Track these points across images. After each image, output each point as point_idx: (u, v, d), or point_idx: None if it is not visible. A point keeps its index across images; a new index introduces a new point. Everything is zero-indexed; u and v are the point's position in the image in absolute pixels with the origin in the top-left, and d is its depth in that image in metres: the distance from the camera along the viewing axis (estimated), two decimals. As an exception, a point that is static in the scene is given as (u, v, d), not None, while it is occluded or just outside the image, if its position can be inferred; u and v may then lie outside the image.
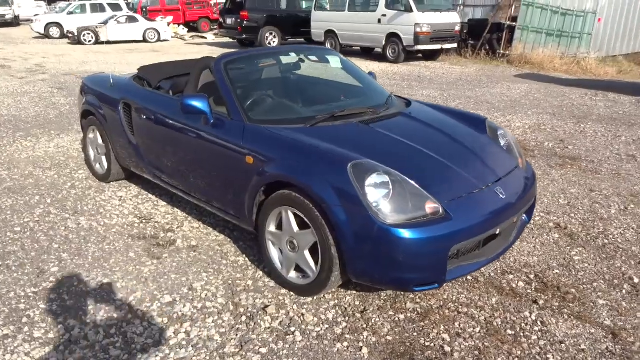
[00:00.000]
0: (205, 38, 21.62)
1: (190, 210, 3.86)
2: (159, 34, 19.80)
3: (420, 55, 13.67)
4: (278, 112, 3.23)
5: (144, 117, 3.59)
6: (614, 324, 2.55)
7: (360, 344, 2.37)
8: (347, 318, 2.57)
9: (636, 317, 2.60)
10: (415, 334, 2.45)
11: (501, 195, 2.66)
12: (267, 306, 2.65)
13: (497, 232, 2.66)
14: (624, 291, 2.84)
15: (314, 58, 3.78)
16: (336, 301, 2.70)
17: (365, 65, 11.59)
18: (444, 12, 12.88)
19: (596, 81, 10.87)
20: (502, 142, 3.19)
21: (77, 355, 2.29)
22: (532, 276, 2.98)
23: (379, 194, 2.34)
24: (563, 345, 2.38)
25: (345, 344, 2.37)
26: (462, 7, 16.54)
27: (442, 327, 2.50)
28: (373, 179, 2.38)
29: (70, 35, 18.66)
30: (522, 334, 2.46)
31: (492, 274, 2.98)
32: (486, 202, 2.59)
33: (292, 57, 3.67)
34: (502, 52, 13.26)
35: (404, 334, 2.45)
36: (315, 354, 2.31)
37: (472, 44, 13.79)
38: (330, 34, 14.72)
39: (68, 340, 2.38)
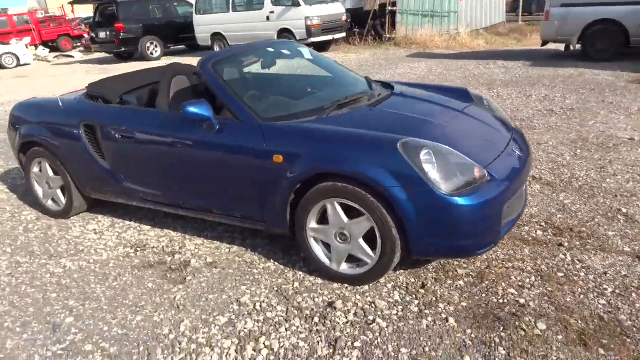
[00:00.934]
0: (73, 57, 19.84)
1: (182, 228, 3.57)
2: (18, 58, 17.73)
3: (312, 47, 13.88)
4: (283, 107, 3.12)
5: (119, 137, 3.24)
6: (632, 249, 2.88)
7: (444, 316, 2.41)
8: (414, 295, 2.58)
9: (645, 239, 2.96)
10: (484, 295, 2.55)
11: (518, 153, 2.86)
12: (331, 303, 2.57)
13: None
14: (621, 221, 3.21)
15: (287, 52, 3.69)
16: (392, 283, 2.70)
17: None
18: (329, 3, 13.24)
19: (476, 52, 11.96)
20: (491, 107, 3.40)
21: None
22: (543, 224, 3.24)
23: (433, 168, 2.38)
24: (608, 275, 2.64)
25: (430, 319, 2.39)
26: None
27: (503, 284, 2.62)
28: (424, 154, 2.41)
29: None
30: (571, 274, 2.67)
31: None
32: (511, 161, 2.76)
33: (271, 52, 3.56)
34: (388, 36, 14.00)
35: (474, 297, 2.54)
36: (409, 334, 2.30)
37: (358, 31, 14.34)
38: (217, 36, 14.39)
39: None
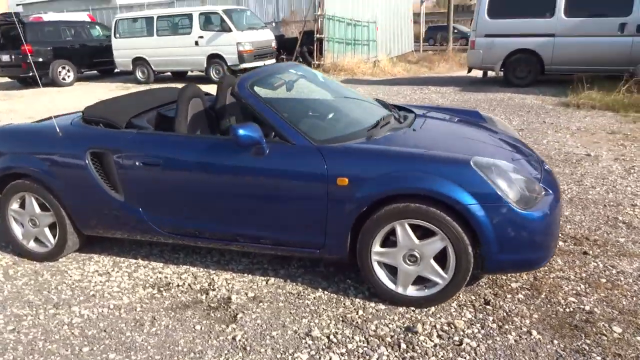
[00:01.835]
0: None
1: (201, 263, 3.30)
2: None
3: (239, 74, 13.70)
4: (327, 130, 3.03)
5: (140, 164, 2.95)
6: (648, 252, 3.16)
7: (524, 329, 2.45)
8: (484, 312, 2.61)
9: (655, 243, 3.27)
10: (548, 306, 2.64)
11: (547, 167, 3.04)
12: (408, 327, 2.50)
13: None
14: (624, 229, 3.51)
15: (304, 74, 3.61)
16: (455, 302, 2.71)
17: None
18: (259, 29, 13.25)
19: (400, 79, 12.62)
20: (499, 126, 3.60)
21: None
22: (560, 235, 3.44)
23: (505, 184, 2.46)
24: (644, 277, 2.87)
25: (513, 333, 2.42)
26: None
27: (560, 294, 2.74)
28: (496, 171, 2.48)
29: None
30: (613, 279, 2.86)
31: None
32: (549, 176, 2.93)
33: (293, 74, 3.47)
34: (316, 62, 14.28)
35: (541, 308, 2.62)
36: (503, 351, 2.30)
37: (285, 57, 14.47)
38: (139, 61, 13.71)
39: None
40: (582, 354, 2.26)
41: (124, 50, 13.83)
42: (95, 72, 16.08)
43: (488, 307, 2.65)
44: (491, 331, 2.45)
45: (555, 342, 2.35)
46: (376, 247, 2.64)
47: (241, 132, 2.61)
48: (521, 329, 2.46)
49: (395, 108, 3.62)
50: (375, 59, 16.27)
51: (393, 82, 11.90)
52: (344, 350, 2.37)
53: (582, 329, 2.43)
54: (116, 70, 16.33)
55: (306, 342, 2.45)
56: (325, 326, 2.57)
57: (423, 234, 2.56)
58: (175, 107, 3.20)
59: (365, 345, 2.40)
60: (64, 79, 14.18)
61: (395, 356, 2.32)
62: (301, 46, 14.44)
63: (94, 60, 15.12)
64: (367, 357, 2.32)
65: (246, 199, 2.79)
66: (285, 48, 14.24)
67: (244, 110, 3.93)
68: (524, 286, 2.83)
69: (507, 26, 9.73)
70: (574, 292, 2.75)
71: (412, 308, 2.66)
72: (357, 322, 2.58)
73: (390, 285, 2.68)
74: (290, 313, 2.71)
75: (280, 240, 2.83)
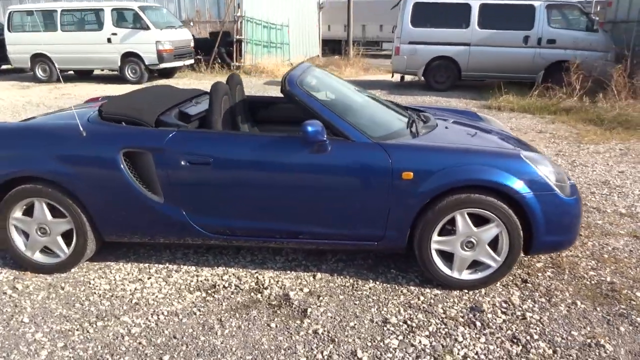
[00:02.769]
0: None
1: (235, 263, 3.23)
2: None
3: (157, 74, 13.08)
4: (375, 127, 3.10)
5: (187, 164, 2.82)
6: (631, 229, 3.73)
7: (569, 300, 2.80)
8: (528, 290, 2.91)
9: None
10: (577, 280, 3.02)
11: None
12: (476, 307, 2.72)
13: None
14: (597, 213, 4.08)
15: (319, 74, 3.67)
16: (498, 282, 2.98)
17: (106, 89, 10.39)
18: (177, 29, 12.76)
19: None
20: (497, 124, 3.99)
21: None
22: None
23: (551, 174, 2.79)
24: (630, 250, 3.39)
25: (562, 305, 2.76)
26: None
27: (580, 269, 3.15)
28: (542, 162, 2.80)
29: None
30: (613, 254, 3.34)
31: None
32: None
33: (319, 72, 3.54)
34: (236, 63, 14.09)
35: (572, 282, 3.00)
36: (563, 320, 2.62)
37: (203, 58, 14.07)
38: (39, 57, 12.45)
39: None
40: (625, 316, 2.65)
41: (20, 46, 12.47)
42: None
43: (528, 284, 2.97)
44: (544, 304, 2.76)
45: (598, 309, 2.72)
46: (435, 236, 2.82)
47: (310, 129, 2.64)
48: (567, 300, 2.80)
49: (404, 108, 3.83)
50: (289, 61, 16.48)
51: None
52: (427, 333, 2.52)
53: (612, 297, 2.83)
54: (3, 67, 14.73)
55: (388, 329, 2.56)
56: (397, 312, 2.70)
57: (474, 221, 2.80)
58: (209, 104, 3.12)
59: (443, 326, 2.58)
60: (-56, 75, 12.42)
61: (475, 333, 2.52)
62: (219, 47, 14.15)
63: (-21, 55, 13.44)
64: (452, 337, 2.49)
65: (308, 195, 2.82)
66: (200, 48, 13.83)
67: (252, 108, 3.92)
68: (547, 265, 3.20)
69: (428, 35, 10.49)
70: (590, 267, 3.18)
71: (465, 291, 2.89)
72: (424, 307, 2.75)
73: (446, 270, 2.88)
74: (355, 304, 2.79)
75: (340, 235, 2.90)
